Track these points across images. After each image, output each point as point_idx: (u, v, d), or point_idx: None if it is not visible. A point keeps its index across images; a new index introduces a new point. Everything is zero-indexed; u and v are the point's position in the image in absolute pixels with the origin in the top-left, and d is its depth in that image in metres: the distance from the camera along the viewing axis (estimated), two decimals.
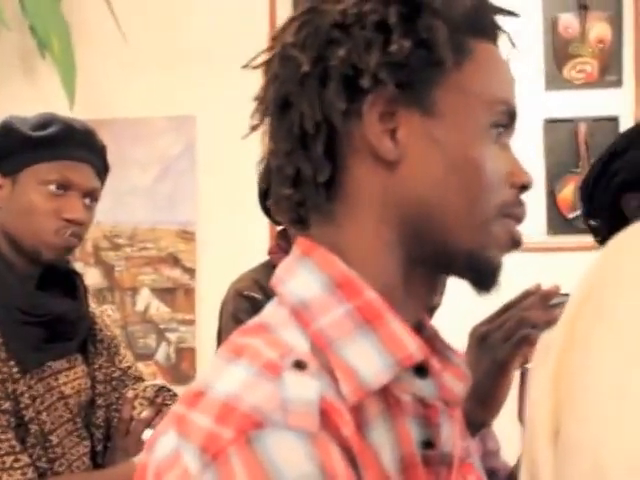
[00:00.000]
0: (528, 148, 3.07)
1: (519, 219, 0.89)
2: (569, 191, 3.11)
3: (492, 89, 0.87)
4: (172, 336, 3.38)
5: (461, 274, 0.89)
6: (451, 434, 0.89)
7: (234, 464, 0.72)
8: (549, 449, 0.51)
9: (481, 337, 1.23)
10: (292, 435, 0.73)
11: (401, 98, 0.85)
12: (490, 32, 0.90)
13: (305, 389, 0.77)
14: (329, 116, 0.85)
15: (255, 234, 3.26)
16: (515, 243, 0.89)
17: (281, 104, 0.88)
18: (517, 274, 2.39)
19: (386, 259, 0.87)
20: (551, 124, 3.12)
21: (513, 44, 0.93)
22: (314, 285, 0.85)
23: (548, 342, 0.56)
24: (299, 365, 0.79)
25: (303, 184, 0.88)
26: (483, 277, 0.88)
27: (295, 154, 0.87)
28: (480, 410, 1.25)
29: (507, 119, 0.89)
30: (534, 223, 3.09)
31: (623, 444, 0.43)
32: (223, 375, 0.79)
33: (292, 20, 0.90)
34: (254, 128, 0.92)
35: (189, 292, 3.37)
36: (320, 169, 0.86)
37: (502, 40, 0.93)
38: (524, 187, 0.89)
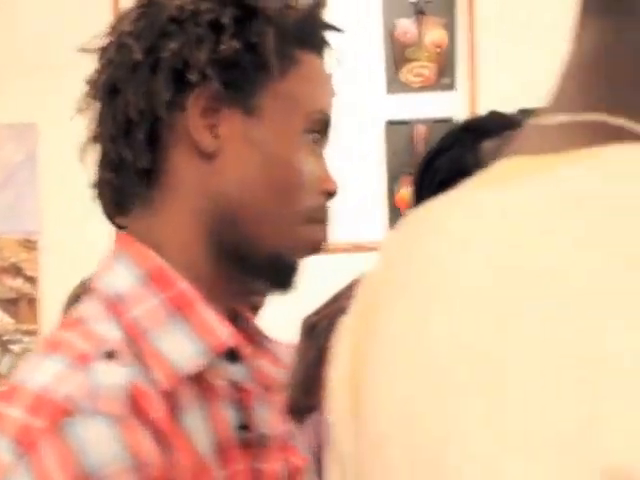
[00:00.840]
0: (371, 149, 3.14)
1: (323, 224, 0.93)
2: (406, 191, 3.20)
3: (312, 99, 0.92)
4: (16, 347, 3.31)
5: (259, 274, 0.92)
6: (269, 417, 0.92)
7: (45, 453, 0.75)
8: (349, 428, 0.53)
9: (309, 327, 1.28)
10: (101, 420, 0.77)
11: (225, 96, 0.88)
12: (317, 45, 0.94)
13: (114, 376, 0.80)
14: (154, 105, 0.88)
15: (99, 243, 3.22)
16: (317, 248, 0.93)
17: (110, 89, 0.90)
18: (360, 271, 2.44)
19: (198, 250, 0.90)
20: (392, 126, 3.20)
21: (339, 62, 0.98)
22: (129, 278, 0.88)
23: (346, 326, 0.58)
24: (110, 355, 0.82)
25: (124, 169, 0.90)
26: (281, 278, 0.92)
27: (118, 140, 0.90)
28: (307, 397, 1.29)
29: (322, 128, 0.93)
30: (375, 222, 3.17)
31: (408, 438, 0.45)
32: (37, 369, 0.82)
33: (131, 11, 0.93)
34: (82, 111, 0.95)
35: (32, 302, 3.30)
36: (140, 156, 0.89)
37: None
38: (331, 194, 0.93)
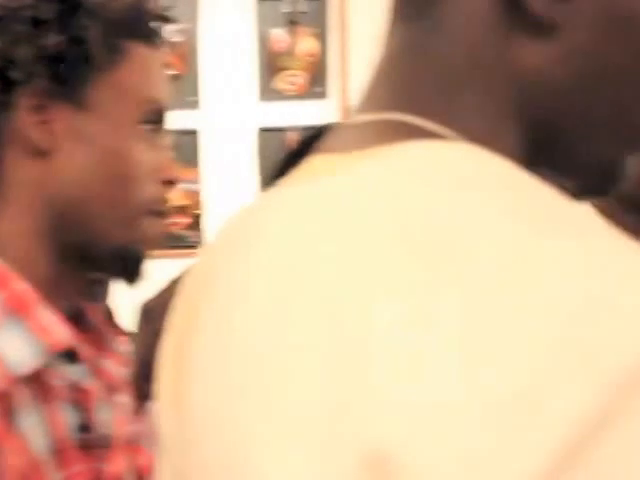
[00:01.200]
0: (243, 156, 3.16)
1: (165, 215, 0.93)
2: None
3: (144, 89, 0.92)
4: None
5: (106, 269, 0.92)
6: (112, 417, 0.92)
7: None
8: (172, 421, 0.54)
9: (147, 311, 1.28)
10: None
11: (55, 92, 0.87)
12: (146, 35, 0.94)
13: None
14: None
15: None
16: (159, 239, 0.93)
17: None
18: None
19: (37, 251, 0.89)
20: (264, 133, 3.22)
21: (167, 47, 0.98)
22: None
23: (172, 316, 0.59)
24: None
25: None
26: (128, 271, 0.93)
27: None
28: (144, 382, 1.28)
29: (157, 117, 0.93)
30: None
31: (217, 441, 0.45)
32: None
33: None
34: None
35: None
36: None
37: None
38: (171, 182, 0.94)
